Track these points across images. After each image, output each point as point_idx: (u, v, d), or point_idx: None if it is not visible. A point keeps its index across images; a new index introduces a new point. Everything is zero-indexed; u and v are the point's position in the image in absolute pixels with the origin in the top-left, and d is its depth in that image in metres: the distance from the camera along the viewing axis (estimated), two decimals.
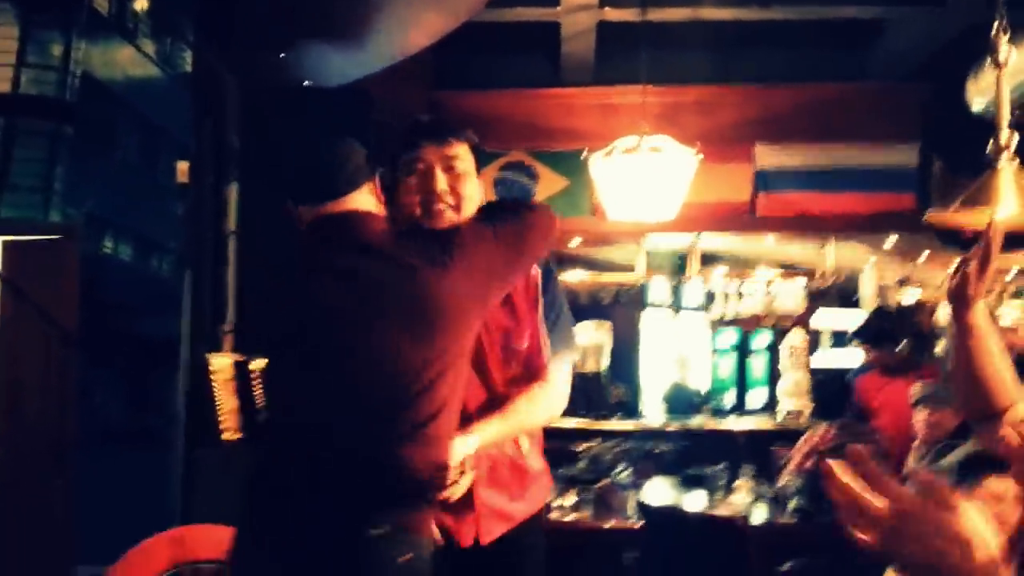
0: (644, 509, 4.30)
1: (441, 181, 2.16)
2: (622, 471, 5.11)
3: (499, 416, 2.21)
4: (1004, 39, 2.18)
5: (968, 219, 2.01)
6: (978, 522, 0.92)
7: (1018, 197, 2.03)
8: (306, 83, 4.13)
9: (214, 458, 4.14)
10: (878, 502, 0.91)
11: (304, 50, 3.62)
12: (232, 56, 4.46)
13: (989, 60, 2.23)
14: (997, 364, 1.76)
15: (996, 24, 2.17)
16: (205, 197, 4.85)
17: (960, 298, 1.78)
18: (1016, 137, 2.12)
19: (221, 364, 3.84)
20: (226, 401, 3.74)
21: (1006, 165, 2.10)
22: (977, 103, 4.29)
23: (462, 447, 2.09)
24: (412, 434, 1.94)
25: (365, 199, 2.12)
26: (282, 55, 3.69)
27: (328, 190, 2.10)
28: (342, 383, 2.00)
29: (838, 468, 0.95)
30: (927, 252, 7.56)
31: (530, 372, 2.31)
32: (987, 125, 4.63)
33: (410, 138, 2.23)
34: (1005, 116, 2.15)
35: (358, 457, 1.95)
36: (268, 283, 2.39)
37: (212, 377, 3.80)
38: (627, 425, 5.91)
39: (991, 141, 2.16)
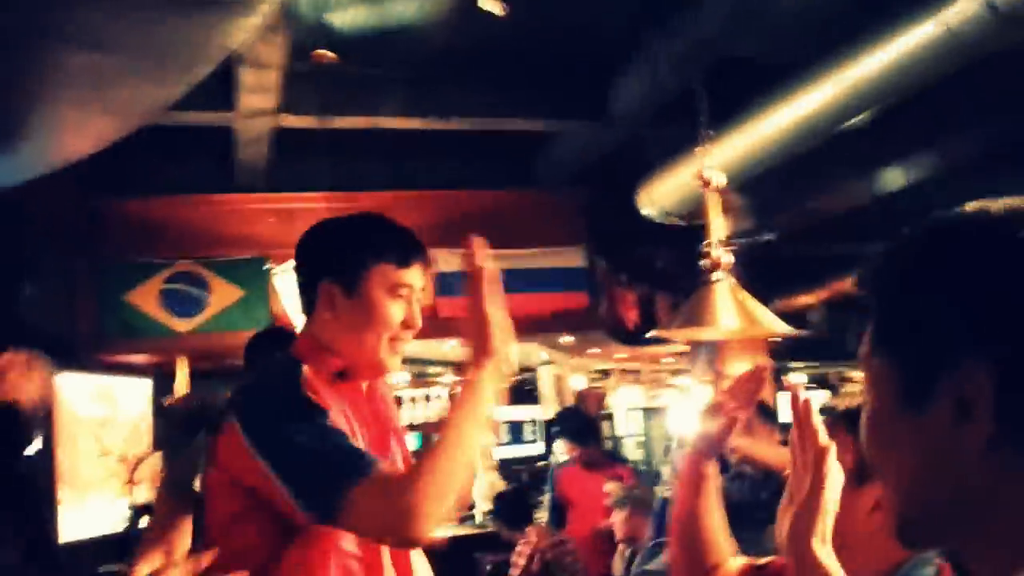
0: None
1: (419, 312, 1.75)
2: None
3: None
4: (708, 162, 2.29)
5: (690, 335, 2.03)
6: None
7: (736, 311, 2.10)
8: None
9: None
10: None
11: None
12: None
13: (691, 177, 2.33)
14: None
15: (700, 147, 2.27)
16: None
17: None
18: (729, 256, 2.20)
19: None
20: None
21: (722, 280, 2.17)
22: (647, 209, 4.61)
23: None
24: None
25: None
26: None
27: None
28: None
29: None
30: (595, 347, 8.06)
31: None
32: (647, 227, 5.04)
33: (401, 252, 1.73)
34: (716, 232, 2.24)
35: None
36: None
37: None
38: None
39: (703, 258, 2.23)
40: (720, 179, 2.30)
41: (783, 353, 9.95)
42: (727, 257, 2.21)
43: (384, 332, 1.64)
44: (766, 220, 5.57)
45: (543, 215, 6.60)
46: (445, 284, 6.41)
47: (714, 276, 2.21)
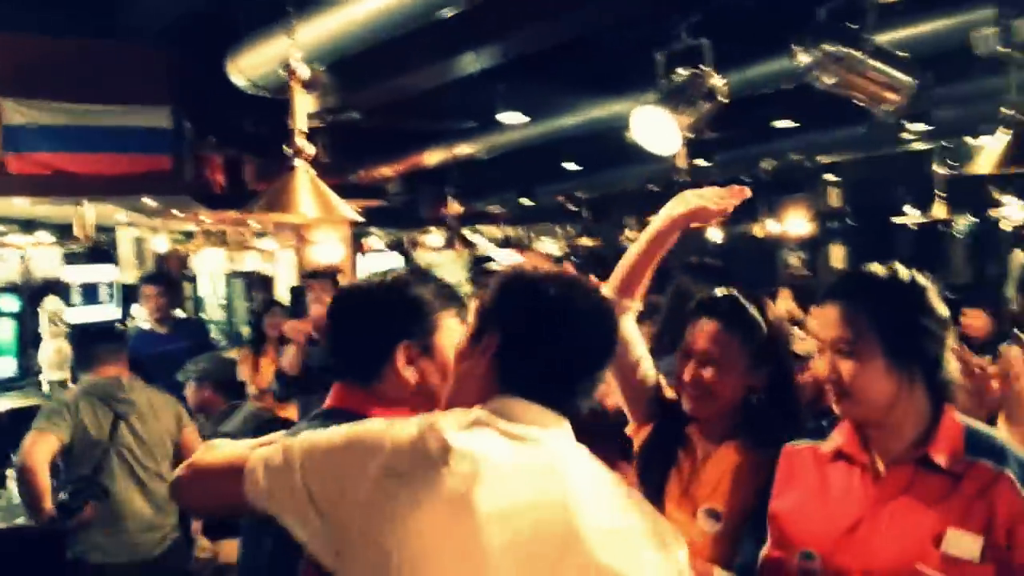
0: None
1: None
2: None
3: None
4: (294, 51, 2.46)
5: (272, 219, 2.26)
6: None
7: (316, 199, 2.36)
8: None
9: None
10: None
11: None
12: None
13: (276, 59, 2.50)
14: None
15: (287, 32, 2.43)
16: None
17: None
18: (311, 147, 2.43)
19: None
20: None
21: (302, 168, 2.40)
22: (237, 80, 4.62)
23: None
24: None
25: None
26: None
27: None
28: None
29: None
30: (179, 210, 7.89)
31: None
32: (237, 90, 5.04)
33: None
34: (301, 123, 2.44)
35: None
36: None
37: None
38: None
39: (288, 145, 2.43)
40: (304, 71, 2.49)
41: (364, 220, 10.50)
42: (309, 147, 2.43)
43: None
44: (352, 97, 5.81)
45: (127, 70, 6.24)
46: (14, 138, 5.91)
47: (296, 163, 2.42)
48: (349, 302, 1.67)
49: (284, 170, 2.41)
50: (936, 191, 8.89)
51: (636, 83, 5.85)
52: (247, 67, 4.35)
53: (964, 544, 1.48)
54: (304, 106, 2.49)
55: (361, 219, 2.48)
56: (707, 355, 1.90)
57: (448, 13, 3.68)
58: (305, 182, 2.36)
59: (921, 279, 1.63)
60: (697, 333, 1.93)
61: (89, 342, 3.70)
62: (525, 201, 11.29)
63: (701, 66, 3.49)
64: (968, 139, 9.07)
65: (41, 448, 3.13)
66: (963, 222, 12.25)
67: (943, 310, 1.61)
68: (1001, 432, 1.82)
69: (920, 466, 1.57)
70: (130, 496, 3.36)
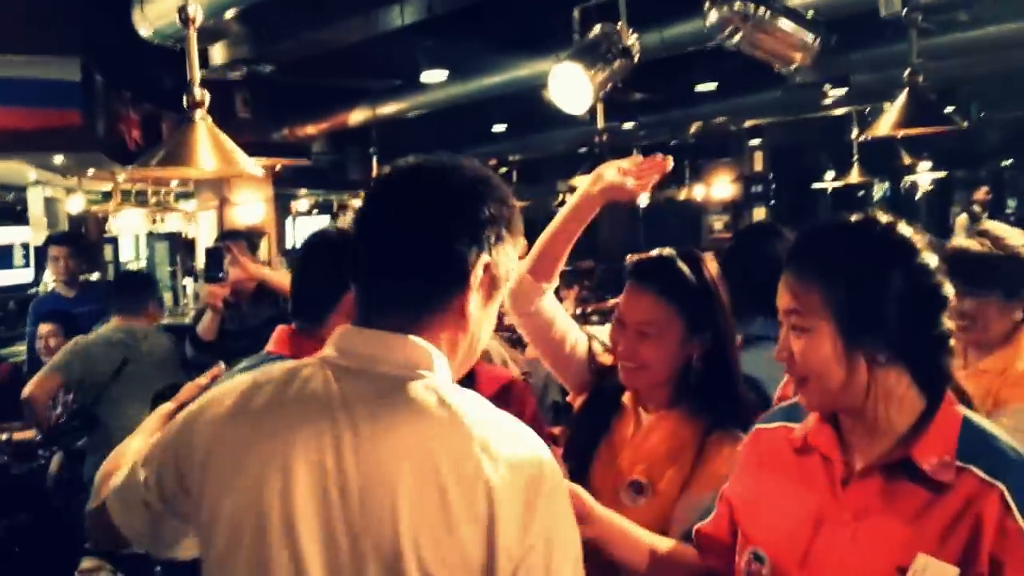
0: None
1: None
2: None
3: None
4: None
5: (169, 173, 2.19)
6: None
7: (215, 151, 2.29)
8: None
9: None
10: None
11: None
12: None
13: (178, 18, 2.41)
14: None
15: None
16: None
17: None
18: (207, 95, 2.35)
19: None
20: None
21: (200, 121, 2.33)
22: (142, 28, 4.45)
23: None
24: None
25: None
26: None
27: None
28: None
29: None
30: (94, 168, 7.64)
31: None
32: (150, 45, 4.87)
33: None
34: (196, 74, 2.36)
35: None
36: None
37: None
38: None
39: (185, 96, 2.36)
40: (200, 16, 2.40)
41: (290, 181, 10.32)
42: (206, 97, 2.35)
43: None
44: (268, 49, 5.67)
45: (32, 19, 5.95)
46: None
47: (196, 115, 2.35)
48: (313, 248, 1.83)
49: (183, 121, 2.34)
50: (854, 157, 9.11)
51: (560, 42, 5.84)
52: (152, 16, 4.20)
53: (933, 575, 1.22)
54: (197, 55, 2.40)
55: (259, 173, 2.42)
56: (641, 326, 1.78)
57: None
58: (203, 134, 2.29)
59: (904, 233, 1.31)
60: (631, 302, 1.81)
61: (118, 290, 4.29)
62: None
63: (616, 23, 3.48)
64: (887, 104, 9.43)
65: (43, 385, 3.75)
66: (879, 189, 12.69)
67: (933, 278, 1.29)
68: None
69: (901, 471, 1.29)
70: (124, 428, 3.43)
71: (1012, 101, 9.65)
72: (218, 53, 5.11)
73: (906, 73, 3.33)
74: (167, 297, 9.97)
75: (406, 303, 1.14)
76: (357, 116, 7.97)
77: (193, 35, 2.38)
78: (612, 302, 8.13)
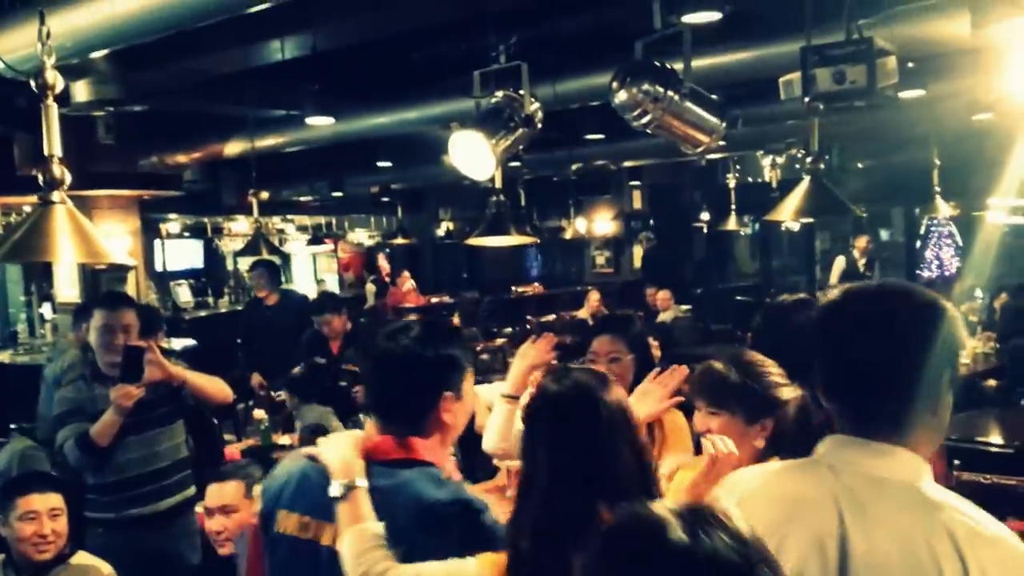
0: None
1: None
2: None
3: None
4: (47, 60, 2.09)
5: (28, 259, 1.91)
6: None
7: (75, 238, 2.01)
8: None
9: None
10: None
11: None
12: None
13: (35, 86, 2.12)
14: None
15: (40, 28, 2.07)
16: None
17: None
18: (67, 173, 2.06)
19: None
20: None
21: (60, 205, 2.04)
22: None
23: None
24: None
25: None
26: None
27: None
28: None
29: None
30: None
31: None
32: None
33: None
34: (55, 148, 2.07)
35: None
36: None
37: None
38: None
39: (41, 175, 2.06)
40: (60, 84, 2.11)
41: (158, 206, 9.71)
42: (67, 176, 2.07)
43: None
44: (137, 79, 5.26)
45: None
46: None
47: (54, 196, 2.06)
48: (394, 361, 1.81)
49: (37, 204, 2.04)
50: (732, 205, 9.59)
51: (452, 89, 5.70)
52: (3, 47, 3.79)
53: None
54: (55, 132, 2.10)
55: (133, 263, 2.15)
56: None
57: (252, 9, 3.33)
58: (63, 220, 2.00)
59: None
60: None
61: None
62: (337, 193, 10.87)
63: (517, 91, 3.35)
64: (758, 153, 10.17)
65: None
66: (746, 231, 13.46)
67: None
68: None
69: None
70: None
71: (867, 152, 10.85)
72: (81, 89, 4.66)
73: (808, 160, 3.32)
74: (21, 329, 9.25)
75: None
76: (233, 147, 7.56)
77: (53, 106, 2.08)
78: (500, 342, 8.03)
